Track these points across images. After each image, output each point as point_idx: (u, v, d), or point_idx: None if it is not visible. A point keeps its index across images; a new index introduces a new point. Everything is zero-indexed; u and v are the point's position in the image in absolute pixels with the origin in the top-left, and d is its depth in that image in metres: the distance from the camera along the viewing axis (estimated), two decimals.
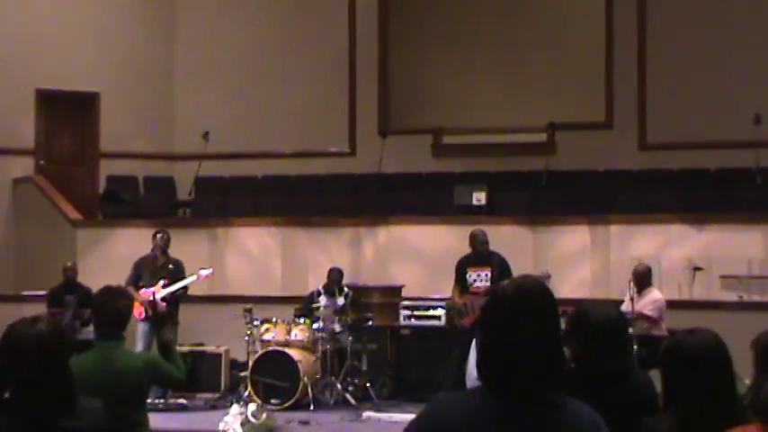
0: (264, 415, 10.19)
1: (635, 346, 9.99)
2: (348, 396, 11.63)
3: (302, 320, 11.93)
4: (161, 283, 11.85)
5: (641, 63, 16.00)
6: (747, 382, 4.15)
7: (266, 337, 11.86)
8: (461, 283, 11.47)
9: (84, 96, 16.45)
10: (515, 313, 2.68)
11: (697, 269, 12.98)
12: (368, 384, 11.90)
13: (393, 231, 14.30)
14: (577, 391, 2.79)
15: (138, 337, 11.61)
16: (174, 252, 12.23)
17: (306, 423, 10.57)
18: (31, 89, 16.04)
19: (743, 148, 14.70)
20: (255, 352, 11.78)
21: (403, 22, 17.20)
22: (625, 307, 10.81)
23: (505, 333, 2.68)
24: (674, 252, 13.21)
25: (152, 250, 12.12)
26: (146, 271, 12.00)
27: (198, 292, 12.82)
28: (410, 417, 2.81)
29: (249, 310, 12.04)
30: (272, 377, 11.39)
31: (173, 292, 11.82)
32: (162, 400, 11.14)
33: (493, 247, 11.58)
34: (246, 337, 12.00)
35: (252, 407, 10.27)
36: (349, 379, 11.92)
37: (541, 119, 16.16)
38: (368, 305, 12.73)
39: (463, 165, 16.00)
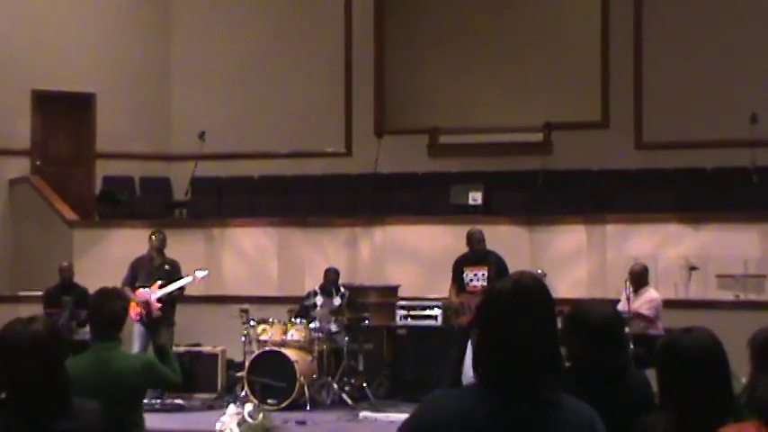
0: (261, 415, 10.19)
1: (631, 346, 9.99)
2: (345, 396, 11.63)
3: (298, 321, 11.92)
4: (157, 283, 11.84)
5: (637, 62, 16.00)
6: (744, 380, 4.14)
7: (263, 337, 11.86)
8: (458, 282, 11.47)
9: (80, 97, 16.43)
10: (513, 309, 2.67)
11: (693, 268, 12.99)
12: (364, 384, 11.90)
13: (389, 231, 14.30)
14: (574, 391, 2.79)
15: (134, 338, 11.61)
16: (170, 252, 12.23)
17: (302, 423, 10.58)
18: (28, 90, 16.02)
19: (739, 148, 14.71)
20: (252, 352, 11.78)
21: (398, 22, 17.20)
22: (621, 306, 10.82)
23: (502, 329, 2.67)
24: (671, 251, 13.22)
25: (148, 251, 12.12)
26: (142, 271, 11.99)
27: (194, 292, 12.82)
28: (407, 416, 2.81)
29: (245, 311, 12.04)
30: (269, 377, 11.39)
31: (169, 293, 11.81)
32: (159, 401, 11.14)
33: (490, 247, 11.59)
34: (243, 338, 12.00)
35: (249, 407, 10.27)
36: (345, 379, 11.93)
37: (538, 118, 16.16)
38: (364, 305, 12.73)
39: (459, 164, 16.00)
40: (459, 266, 11.53)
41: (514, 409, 2.64)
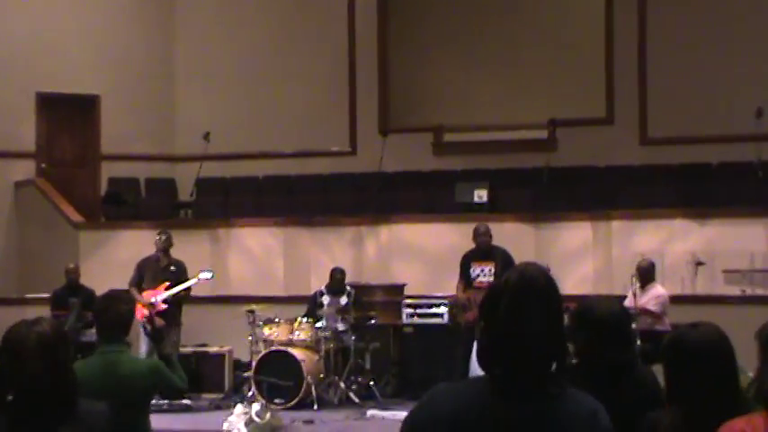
0: (268, 414, 10.20)
1: (638, 342, 9.98)
2: (352, 395, 11.64)
3: (305, 320, 11.93)
4: (163, 285, 11.86)
5: (642, 58, 15.97)
6: (751, 375, 4.14)
7: (269, 336, 11.86)
8: (465, 277, 11.49)
9: (84, 99, 16.45)
10: (519, 300, 2.66)
11: (699, 264, 12.97)
12: (371, 383, 11.91)
13: (395, 230, 14.30)
14: (581, 387, 2.79)
15: (141, 339, 11.61)
16: (176, 253, 12.25)
17: (310, 422, 10.59)
18: (32, 92, 16.03)
19: (744, 142, 14.67)
20: (259, 352, 11.79)
21: (403, 20, 17.19)
22: (628, 302, 10.82)
23: (508, 320, 2.65)
24: (677, 247, 13.20)
25: (155, 252, 12.15)
26: (148, 272, 12.02)
27: (201, 293, 12.83)
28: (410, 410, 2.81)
29: (252, 311, 12.05)
30: (276, 377, 11.40)
31: (174, 295, 11.82)
32: (166, 401, 11.15)
33: (495, 244, 11.60)
34: (250, 338, 12.01)
35: (256, 406, 10.28)
36: (352, 378, 11.93)
37: (542, 115, 16.14)
38: (370, 304, 12.74)
39: (464, 162, 15.99)
40: (466, 262, 11.55)
41: (518, 402, 2.63)
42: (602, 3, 16.26)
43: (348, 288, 12.48)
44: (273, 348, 11.66)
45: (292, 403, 11.32)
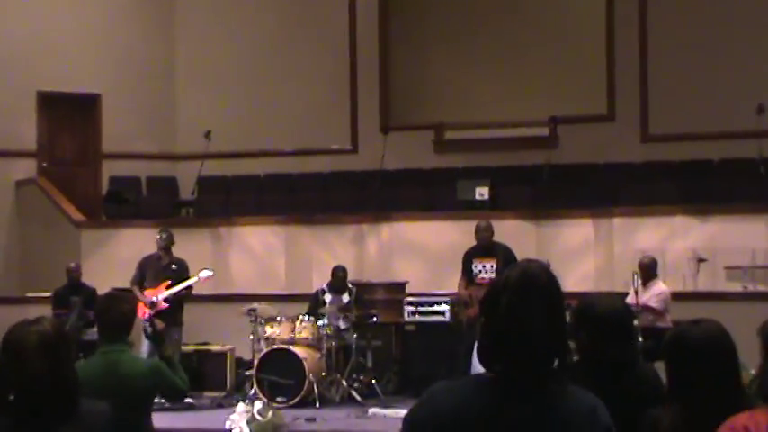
0: (270, 413, 10.20)
1: (640, 339, 9.98)
2: (354, 393, 11.64)
3: (307, 318, 11.93)
4: (165, 284, 11.86)
5: (643, 55, 15.96)
6: (753, 371, 4.14)
7: (271, 335, 11.86)
8: (467, 274, 11.49)
9: (85, 98, 16.45)
10: (520, 297, 2.65)
11: (701, 260, 12.97)
12: (373, 381, 11.91)
13: (396, 228, 14.30)
14: (583, 384, 2.78)
15: (143, 339, 11.58)
16: (177, 252, 12.25)
17: (312, 420, 10.59)
18: (33, 91, 16.03)
19: (746, 139, 14.68)
20: (260, 350, 11.79)
21: (403, 18, 17.18)
22: (630, 299, 10.82)
23: (509, 317, 2.64)
24: (678, 244, 13.20)
25: (156, 250, 12.17)
26: (149, 270, 12.02)
27: (202, 291, 12.83)
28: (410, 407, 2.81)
29: (253, 309, 12.05)
30: (278, 375, 11.40)
31: (175, 294, 11.83)
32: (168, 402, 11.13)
33: (497, 241, 11.60)
34: (251, 336, 12.01)
35: (258, 405, 10.28)
36: (354, 375, 11.93)
37: (543, 113, 16.14)
38: (372, 302, 12.73)
39: (465, 160, 15.99)
40: (467, 258, 11.55)
41: (519, 400, 2.62)
42: (603, 0, 16.24)
43: (350, 286, 12.48)
44: (275, 347, 11.66)
45: (294, 401, 11.32)
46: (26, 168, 15.98)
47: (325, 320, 11.96)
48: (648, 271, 11.33)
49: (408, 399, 11.56)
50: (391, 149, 15.41)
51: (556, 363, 2.66)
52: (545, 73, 16.42)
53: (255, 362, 11.63)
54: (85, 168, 16.61)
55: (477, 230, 11.57)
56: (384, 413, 10.87)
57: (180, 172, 16.85)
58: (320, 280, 12.91)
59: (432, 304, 12.62)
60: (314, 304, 12.34)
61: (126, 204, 15.84)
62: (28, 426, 3.21)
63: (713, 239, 13.17)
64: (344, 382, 11.73)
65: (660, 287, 11.31)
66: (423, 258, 13.87)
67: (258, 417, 10.01)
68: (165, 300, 11.76)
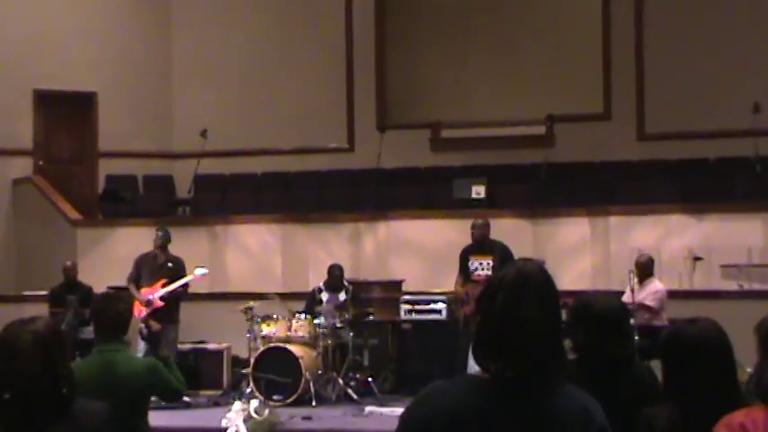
0: (267, 411, 10.20)
1: (636, 337, 9.98)
2: (350, 391, 11.64)
3: (303, 316, 11.93)
4: (161, 282, 11.85)
5: (639, 53, 15.98)
6: (749, 369, 4.15)
7: (267, 333, 11.86)
8: (464, 271, 11.50)
9: (82, 96, 16.44)
10: (516, 296, 2.66)
11: (697, 259, 12.99)
12: (369, 379, 11.91)
13: (393, 226, 14.30)
14: (579, 382, 2.79)
15: (139, 341, 11.58)
16: (174, 250, 12.24)
17: (308, 418, 10.58)
18: (29, 90, 16.03)
19: (742, 137, 14.70)
20: (257, 349, 11.79)
21: (399, 17, 17.18)
22: (626, 298, 10.82)
23: (504, 316, 2.65)
24: (674, 242, 13.22)
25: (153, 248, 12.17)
26: (145, 269, 12.01)
27: (199, 289, 12.84)
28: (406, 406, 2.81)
29: (250, 308, 12.05)
30: (274, 373, 11.40)
31: (171, 292, 11.82)
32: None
33: (494, 238, 11.60)
34: (248, 334, 12.00)
35: (254, 403, 10.28)
36: (351, 374, 11.93)
37: (540, 111, 16.14)
38: (368, 300, 12.73)
39: (462, 158, 15.99)
40: (465, 255, 11.56)
41: (514, 399, 2.63)
42: None
43: (346, 284, 12.48)
44: (272, 345, 11.66)
45: (291, 400, 11.32)
46: (22, 167, 15.97)
47: (322, 319, 11.96)
48: (645, 269, 11.34)
49: (405, 397, 11.56)
50: (388, 148, 15.41)
51: (551, 362, 2.67)
52: (542, 71, 16.43)
53: (252, 360, 11.63)
54: (82, 167, 16.60)
55: (473, 227, 11.58)
56: (380, 412, 10.87)
57: (176, 170, 16.85)
58: (317, 278, 12.91)
59: (428, 303, 12.62)
60: (311, 303, 12.34)
61: (122, 203, 15.83)
62: (22, 425, 3.20)
63: (709, 238, 13.19)
64: (341, 381, 11.73)
65: (656, 285, 11.32)
66: (419, 257, 13.88)
67: (255, 415, 10.00)
68: (161, 298, 11.76)
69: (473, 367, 2.73)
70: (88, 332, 10.85)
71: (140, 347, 11.28)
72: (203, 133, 15.94)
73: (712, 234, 13.21)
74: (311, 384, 11.38)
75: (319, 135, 16.68)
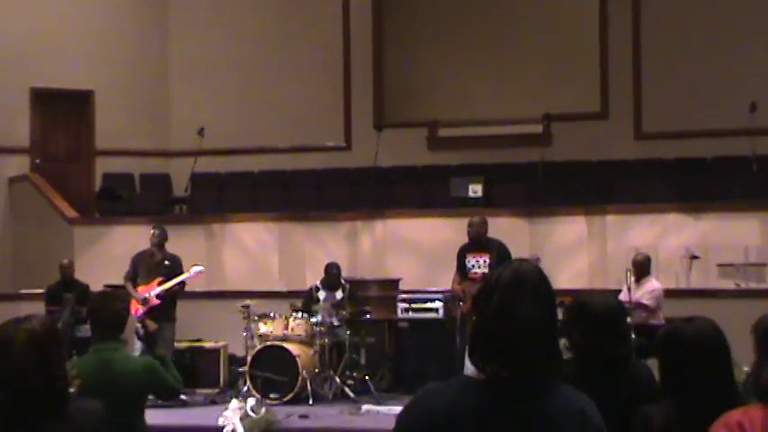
0: (264, 409, 10.20)
1: (633, 336, 9.98)
2: (347, 389, 11.64)
3: (300, 315, 11.93)
4: (157, 280, 11.85)
5: (636, 52, 15.98)
6: (746, 368, 4.15)
7: (264, 331, 11.86)
8: (462, 269, 11.50)
9: (78, 94, 16.43)
10: (511, 297, 2.66)
11: (694, 258, 12.99)
12: (366, 377, 11.91)
13: (390, 225, 14.30)
14: (576, 381, 2.79)
15: (135, 340, 11.58)
16: (171, 249, 12.23)
17: (305, 417, 10.58)
18: (26, 88, 16.01)
19: (739, 137, 14.70)
20: (254, 347, 11.79)
21: (397, 15, 17.18)
22: (623, 296, 10.83)
23: (500, 317, 2.65)
24: (671, 241, 13.22)
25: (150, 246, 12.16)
26: (142, 266, 12.01)
27: (196, 288, 12.83)
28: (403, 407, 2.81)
29: (247, 306, 12.04)
30: (271, 372, 11.39)
31: (167, 290, 11.81)
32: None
33: (491, 236, 11.61)
34: (245, 333, 12.00)
35: (251, 401, 10.28)
36: (347, 372, 11.93)
37: (537, 110, 16.15)
38: (365, 299, 12.74)
39: (459, 157, 15.99)
40: (462, 253, 11.56)
41: (507, 397, 2.63)
42: None
43: (343, 283, 12.47)
44: (269, 343, 11.66)
45: (287, 398, 11.32)
46: (19, 165, 15.96)
47: (319, 317, 11.96)
48: (642, 268, 11.35)
49: (401, 395, 11.57)
50: (385, 147, 15.41)
51: (547, 363, 2.67)
52: (539, 70, 16.43)
53: (249, 359, 11.63)
54: (79, 165, 16.59)
55: (470, 225, 11.58)
56: (377, 410, 10.87)
57: (173, 169, 16.84)
58: (314, 277, 12.91)
59: (425, 301, 12.63)
60: (308, 301, 12.34)
61: (119, 201, 15.82)
62: (16, 424, 3.19)
63: (706, 237, 13.19)
64: (338, 379, 11.73)
65: (653, 284, 11.33)
66: (416, 255, 13.88)
67: (251, 413, 10.00)
68: (158, 296, 11.75)
69: (469, 368, 2.73)
70: (85, 330, 10.83)
71: (137, 346, 11.28)
72: (200, 131, 15.95)
73: (709, 233, 13.21)
74: (308, 383, 11.38)
75: (316, 134, 16.68)
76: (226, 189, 16.28)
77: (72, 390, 4.28)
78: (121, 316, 5.22)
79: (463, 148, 16.16)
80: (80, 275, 12.95)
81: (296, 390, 11.33)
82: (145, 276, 11.93)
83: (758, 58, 15.24)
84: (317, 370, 11.66)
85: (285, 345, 11.55)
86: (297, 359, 11.37)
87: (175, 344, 12.12)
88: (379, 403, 11.17)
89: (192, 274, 12.00)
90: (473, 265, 11.41)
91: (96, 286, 11.94)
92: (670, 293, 11.56)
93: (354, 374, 11.96)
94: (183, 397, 11.35)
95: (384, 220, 14.32)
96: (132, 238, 13.53)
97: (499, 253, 11.13)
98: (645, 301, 11.08)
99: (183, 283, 11.99)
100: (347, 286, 12.43)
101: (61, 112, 16.47)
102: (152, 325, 11.13)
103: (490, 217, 12.48)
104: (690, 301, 11.40)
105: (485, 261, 11.33)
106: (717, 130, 15.08)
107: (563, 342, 3.84)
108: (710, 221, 13.35)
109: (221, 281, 14.15)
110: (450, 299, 12.14)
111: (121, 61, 16.59)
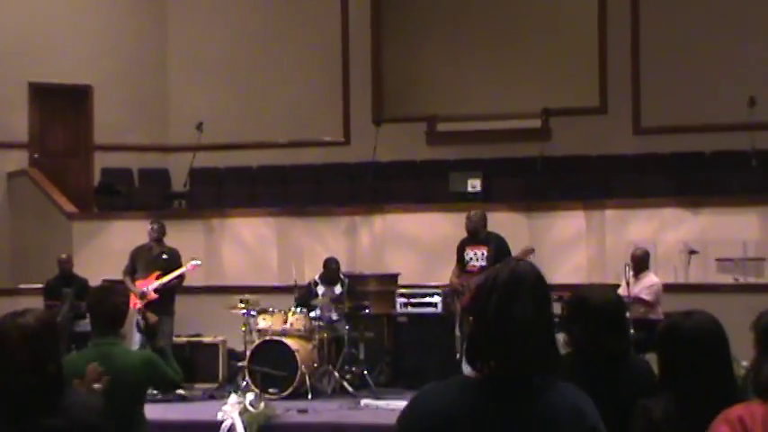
0: (263, 404, 10.20)
1: (631, 330, 9.99)
2: (346, 384, 11.64)
3: (299, 309, 11.94)
4: (155, 274, 11.85)
5: (635, 47, 15.97)
6: (745, 363, 4.15)
7: (263, 326, 11.86)
8: (461, 262, 11.52)
9: (77, 89, 16.41)
10: (509, 296, 2.67)
11: (692, 252, 12.99)
12: (365, 372, 11.91)
13: (388, 219, 14.30)
14: (576, 376, 2.79)
15: (135, 331, 11.58)
16: (169, 243, 12.24)
17: (304, 411, 10.58)
18: (24, 82, 15.99)
19: (738, 131, 14.69)
20: (252, 342, 11.79)
21: (396, 10, 17.17)
22: (621, 291, 10.82)
23: (497, 317, 2.66)
24: (670, 236, 13.23)
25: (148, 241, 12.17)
26: (140, 260, 12.02)
27: (194, 283, 12.83)
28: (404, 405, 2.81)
29: (246, 301, 12.05)
30: (270, 366, 11.39)
31: (165, 284, 11.82)
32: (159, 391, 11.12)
33: (490, 230, 11.62)
34: (243, 327, 12.01)
35: (250, 396, 10.28)
36: (346, 367, 11.94)
37: (535, 105, 16.15)
38: (364, 293, 12.74)
39: (458, 152, 15.99)
40: (461, 247, 11.58)
41: (507, 399, 2.64)
42: None
43: (342, 278, 12.48)
44: (267, 338, 11.66)
45: (286, 393, 11.32)
46: (18, 160, 15.95)
47: (318, 312, 11.96)
48: (640, 263, 11.35)
49: (400, 390, 11.58)
50: (384, 141, 15.40)
51: (544, 362, 2.67)
52: (537, 65, 16.42)
53: (248, 353, 11.63)
54: (77, 160, 16.58)
55: (468, 219, 11.59)
56: (376, 404, 10.88)
57: (172, 163, 16.83)
58: (312, 272, 12.91)
59: (424, 296, 12.64)
60: (307, 295, 12.34)
61: (118, 196, 15.82)
62: (12, 419, 3.18)
63: (705, 231, 13.20)
64: (336, 374, 11.73)
65: (652, 279, 11.33)
66: (415, 250, 13.88)
67: (250, 408, 10.01)
68: (155, 290, 11.75)
69: (467, 367, 2.74)
70: (84, 325, 10.85)
71: (136, 339, 11.28)
72: (199, 126, 15.93)
73: (708, 228, 13.22)
74: (307, 377, 11.38)
75: (315, 128, 16.68)
76: (224, 184, 16.28)
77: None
78: (121, 310, 5.22)
79: (462, 142, 16.16)
80: (79, 270, 12.95)
81: (295, 384, 11.34)
82: (143, 270, 11.94)
83: (757, 52, 15.23)
84: (315, 365, 11.67)
85: (284, 339, 11.55)
86: (296, 354, 11.37)
87: (174, 338, 12.12)
88: (377, 398, 11.18)
89: (188, 267, 12.01)
90: (470, 258, 11.44)
91: (95, 281, 11.92)
92: (668, 288, 11.56)
93: (353, 369, 11.97)
94: (181, 392, 11.36)
95: (383, 214, 14.32)
96: (131, 233, 13.52)
97: (498, 246, 11.16)
98: (643, 296, 11.09)
99: (181, 277, 11.99)
100: (346, 281, 12.43)
101: (59, 106, 16.46)
102: (152, 317, 11.13)
103: (489, 211, 12.47)
104: (688, 296, 11.41)
105: (482, 254, 11.35)
106: (715, 124, 15.08)
107: (562, 337, 3.85)
108: (709, 216, 13.35)
109: (220, 276, 14.15)
110: (449, 293, 12.15)
111: (120, 56, 16.57)
